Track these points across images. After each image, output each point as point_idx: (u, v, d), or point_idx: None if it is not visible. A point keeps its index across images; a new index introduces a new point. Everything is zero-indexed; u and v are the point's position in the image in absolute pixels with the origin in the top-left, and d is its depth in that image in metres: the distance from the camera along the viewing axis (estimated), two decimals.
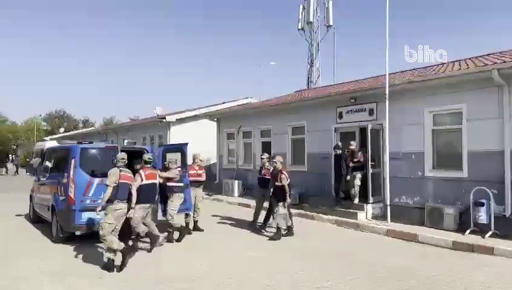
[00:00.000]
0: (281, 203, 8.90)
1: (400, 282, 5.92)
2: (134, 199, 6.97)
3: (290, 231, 9.23)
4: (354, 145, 11.25)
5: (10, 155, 43.70)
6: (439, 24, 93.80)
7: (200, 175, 9.86)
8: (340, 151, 11.70)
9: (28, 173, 13.04)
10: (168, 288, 5.68)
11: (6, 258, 7.26)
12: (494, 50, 11.91)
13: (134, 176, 7.35)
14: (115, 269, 6.35)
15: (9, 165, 34.33)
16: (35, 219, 10.48)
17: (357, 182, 11.16)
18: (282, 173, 9.02)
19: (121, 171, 6.78)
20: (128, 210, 6.88)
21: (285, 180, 8.93)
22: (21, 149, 58.23)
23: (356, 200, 11.15)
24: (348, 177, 11.35)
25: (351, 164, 11.25)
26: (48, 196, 9.13)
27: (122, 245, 6.53)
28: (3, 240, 8.67)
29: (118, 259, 6.47)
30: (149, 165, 7.94)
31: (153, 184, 7.93)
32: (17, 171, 34.12)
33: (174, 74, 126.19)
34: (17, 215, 11.72)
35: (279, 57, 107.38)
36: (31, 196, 11.04)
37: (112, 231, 6.55)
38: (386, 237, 9.20)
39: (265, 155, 10.68)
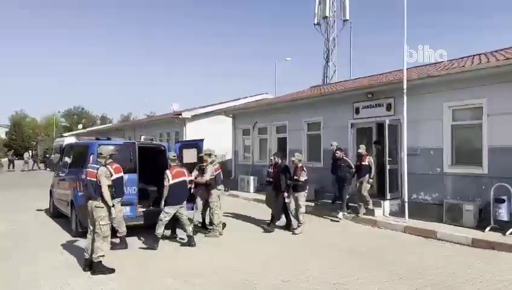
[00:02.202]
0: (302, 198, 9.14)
1: (418, 279, 5.85)
2: (106, 197, 6.32)
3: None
4: (362, 149, 10.78)
5: (30, 151, 44.50)
6: (451, 22, 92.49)
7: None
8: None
9: (47, 169, 13.31)
10: (185, 283, 5.74)
11: (28, 251, 7.44)
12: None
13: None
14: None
15: (30, 161, 34.89)
16: (55, 214, 10.68)
17: (366, 186, 10.55)
18: (302, 170, 9.20)
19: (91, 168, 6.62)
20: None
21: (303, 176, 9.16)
22: (40, 145, 59.35)
23: (370, 206, 10.55)
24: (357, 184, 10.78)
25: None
26: (67, 191, 9.29)
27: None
28: (24, 235, 8.87)
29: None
30: (175, 163, 7.95)
31: (183, 182, 7.91)
32: (35, 167, 34.57)
33: (189, 71, 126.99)
34: (37, 210, 11.97)
35: (295, 53, 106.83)
36: (50, 191, 11.25)
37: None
38: (404, 233, 9.09)
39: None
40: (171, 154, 8.06)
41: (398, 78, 10.73)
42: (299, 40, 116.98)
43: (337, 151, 10.76)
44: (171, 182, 7.66)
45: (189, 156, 9.56)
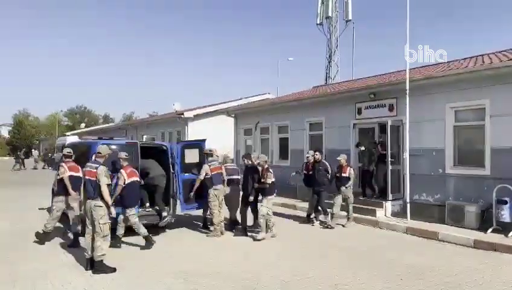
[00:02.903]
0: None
1: (419, 281, 5.84)
2: (105, 196, 6.32)
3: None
4: (343, 158, 10.15)
5: (33, 150, 44.64)
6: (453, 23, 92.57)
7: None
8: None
9: (49, 168, 13.32)
10: (186, 282, 5.75)
11: (30, 250, 7.46)
12: None
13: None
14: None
15: (30, 160, 35.02)
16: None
17: (338, 201, 9.98)
18: (268, 171, 8.83)
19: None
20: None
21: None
22: (43, 144, 59.50)
23: (328, 220, 9.84)
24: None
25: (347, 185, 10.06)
26: None
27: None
28: (26, 233, 8.88)
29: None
30: (127, 163, 7.70)
31: (136, 182, 7.76)
32: (45, 166, 34.62)
33: (191, 71, 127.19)
34: (39, 208, 11.98)
35: (297, 53, 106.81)
36: (53, 190, 11.24)
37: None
38: (406, 234, 9.07)
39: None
40: (123, 154, 7.82)
41: (401, 78, 10.72)
42: (301, 40, 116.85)
43: (317, 153, 10.29)
44: (128, 181, 7.53)
45: (191, 156, 9.56)
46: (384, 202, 10.72)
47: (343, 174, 10.03)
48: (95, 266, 6.16)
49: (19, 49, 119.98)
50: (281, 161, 15.81)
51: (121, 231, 7.78)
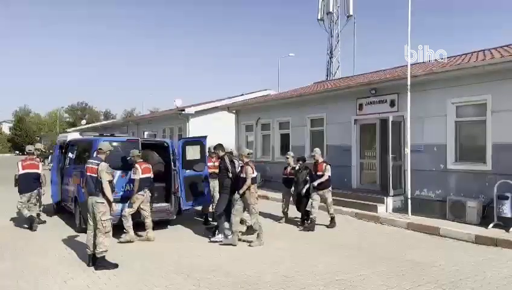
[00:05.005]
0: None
1: (421, 276, 5.86)
2: (107, 192, 6.35)
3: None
4: (317, 154, 9.38)
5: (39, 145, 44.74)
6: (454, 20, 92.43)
7: (217, 167, 9.86)
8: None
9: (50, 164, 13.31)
10: (188, 278, 5.76)
11: (32, 246, 7.50)
12: None
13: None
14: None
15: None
16: (59, 209, 10.73)
17: (315, 204, 9.15)
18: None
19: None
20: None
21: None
22: (44, 140, 59.57)
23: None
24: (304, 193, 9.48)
25: (315, 183, 9.14)
26: (71, 187, 9.33)
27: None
28: (28, 229, 8.91)
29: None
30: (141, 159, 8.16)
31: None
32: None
33: (192, 67, 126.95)
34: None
35: (298, 48, 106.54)
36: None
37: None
38: (407, 230, 9.09)
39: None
40: (136, 152, 8.14)
41: (402, 74, 10.69)
42: (302, 35, 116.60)
43: (300, 162, 9.68)
44: (142, 176, 7.91)
45: (193, 152, 9.57)
46: (385, 198, 10.73)
47: (319, 173, 9.21)
48: (97, 262, 6.18)
49: (19, 48, 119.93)
50: (282, 157, 15.79)
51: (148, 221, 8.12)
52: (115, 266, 6.18)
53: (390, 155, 10.77)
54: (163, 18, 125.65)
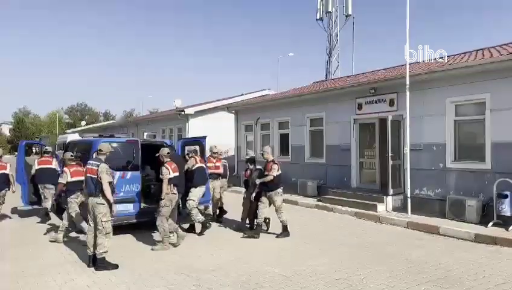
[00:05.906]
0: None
1: (421, 274, 5.87)
2: (107, 193, 6.32)
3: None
4: (268, 152, 8.62)
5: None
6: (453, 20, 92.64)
7: (217, 167, 9.88)
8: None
9: None
10: (188, 277, 5.77)
11: (32, 247, 7.50)
12: None
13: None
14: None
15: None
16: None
17: (262, 207, 8.37)
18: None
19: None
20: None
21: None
22: (44, 142, 59.56)
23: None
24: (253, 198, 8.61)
25: (257, 181, 8.40)
26: None
27: None
28: (29, 230, 8.93)
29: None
30: (169, 160, 7.73)
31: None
32: None
33: (192, 67, 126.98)
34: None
35: (298, 48, 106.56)
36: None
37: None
38: (407, 229, 9.10)
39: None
40: (165, 151, 7.87)
41: (401, 73, 10.71)
42: (302, 35, 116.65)
43: (252, 166, 9.11)
44: (172, 175, 7.63)
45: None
46: (385, 197, 10.74)
47: (266, 172, 8.34)
48: (97, 263, 6.19)
49: (19, 48, 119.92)
50: (282, 156, 15.81)
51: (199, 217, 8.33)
52: (115, 266, 6.19)
53: (390, 154, 10.79)
54: (163, 18, 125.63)
